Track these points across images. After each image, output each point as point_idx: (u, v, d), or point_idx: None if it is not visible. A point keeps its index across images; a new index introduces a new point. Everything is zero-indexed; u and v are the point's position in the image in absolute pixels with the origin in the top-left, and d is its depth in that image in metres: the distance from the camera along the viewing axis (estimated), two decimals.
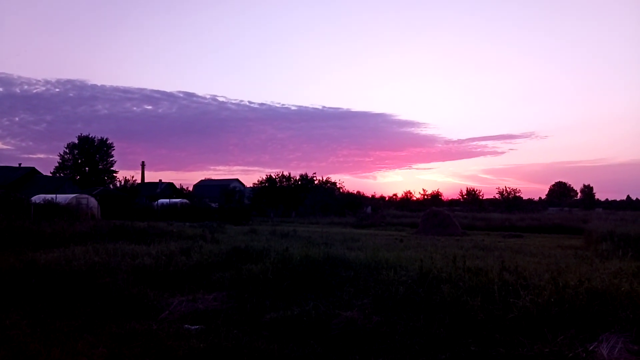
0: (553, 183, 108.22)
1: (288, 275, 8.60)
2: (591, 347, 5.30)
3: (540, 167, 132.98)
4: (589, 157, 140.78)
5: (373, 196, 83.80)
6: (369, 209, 58.33)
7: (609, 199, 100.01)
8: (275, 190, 63.97)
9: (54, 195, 34.86)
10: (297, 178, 66.99)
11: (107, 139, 78.35)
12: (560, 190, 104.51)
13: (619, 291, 6.61)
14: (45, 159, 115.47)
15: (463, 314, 6.51)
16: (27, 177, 58.17)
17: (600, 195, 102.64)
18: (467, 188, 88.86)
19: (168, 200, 49.95)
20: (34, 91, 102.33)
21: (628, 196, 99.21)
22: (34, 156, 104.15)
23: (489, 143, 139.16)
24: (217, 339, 5.96)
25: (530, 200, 79.03)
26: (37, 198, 33.25)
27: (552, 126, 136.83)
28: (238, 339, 6.01)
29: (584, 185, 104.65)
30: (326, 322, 6.50)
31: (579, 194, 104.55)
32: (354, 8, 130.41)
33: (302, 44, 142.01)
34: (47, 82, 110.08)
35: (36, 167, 64.53)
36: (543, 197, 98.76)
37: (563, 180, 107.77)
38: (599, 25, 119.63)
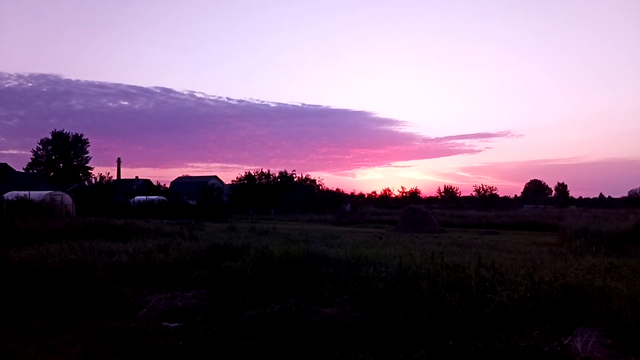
0: (528, 181, 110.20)
1: (268, 272, 8.58)
2: (566, 341, 5.41)
3: (516, 165, 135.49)
4: (563, 156, 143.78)
5: (352, 193, 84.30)
6: (348, 207, 58.63)
7: (583, 197, 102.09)
8: (254, 188, 63.73)
9: (27, 192, 34.10)
10: (277, 175, 66.98)
11: (81, 135, 77.06)
12: (535, 188, 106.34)
13: (593, 286, 6.78)
14: (17, 155, 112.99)
15: (441, 310, 6.60)
16: None
17: (574, 193, 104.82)
18: (445, 186, 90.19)
19: (145, 197, 49.36)
20: (6, 85, 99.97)
21: (601, 194, 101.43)
22: (6, 152, 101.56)
23: (466, 141, 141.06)
24: (196, 337, 5.92)
25: (506, 198, 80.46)
26: (10, 195, 32.50)
27: (527, 125, 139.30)
28: (217, 336, 5.98)
29: (559, 183, 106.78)
30: (306, 319, 6.50)
31: (554, 192, 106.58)
32: (333, 5, 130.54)
33: (282, 41, 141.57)
34: (19, 76, 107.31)
35: (8, 163, 62.98)
36: (519, 194, 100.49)
37: (538, 178, 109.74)
38: (576, 26, 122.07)
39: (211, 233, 18.17)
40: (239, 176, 66.67)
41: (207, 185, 70.02)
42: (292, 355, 5.50)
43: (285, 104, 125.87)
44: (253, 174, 65.90)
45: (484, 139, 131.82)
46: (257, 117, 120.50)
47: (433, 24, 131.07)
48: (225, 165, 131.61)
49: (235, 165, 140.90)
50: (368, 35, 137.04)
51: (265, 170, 66.67)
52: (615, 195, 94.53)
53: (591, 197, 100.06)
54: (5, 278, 8.53)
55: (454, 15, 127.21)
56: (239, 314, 7.03)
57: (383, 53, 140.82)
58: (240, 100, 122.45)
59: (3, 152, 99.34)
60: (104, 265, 9.53)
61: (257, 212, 55.89)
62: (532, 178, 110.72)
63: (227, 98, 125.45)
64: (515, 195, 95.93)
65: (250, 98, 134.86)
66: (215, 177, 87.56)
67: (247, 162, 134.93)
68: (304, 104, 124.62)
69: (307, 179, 69.05)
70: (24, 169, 71.38)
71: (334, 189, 75.72)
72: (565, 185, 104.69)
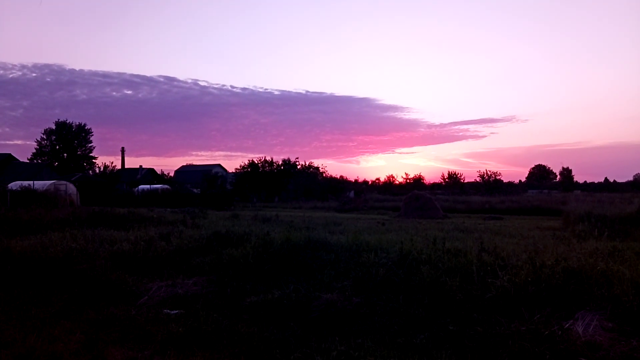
0: (533, 166, 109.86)
1: (269, 259, 8.57)
2: (567, 325, 5.38)
3: (520, 150, 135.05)
4: (568, 141, 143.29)
5: (356, 180, 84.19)
6: (351, 193, 58.62)
7: (587, 181, 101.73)
8: (258, 176, 63.64)
9: (32, 181, 34.17)
10: (280, 163, 66.73)
11: (85, 125, 77.16)
12: (539, 173, 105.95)
13: (595, 270, 6.72)
14: (22, 145, 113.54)
15: (442, 295, 6.57)
16: (4, 164, 57.06)
17: (578, 177, 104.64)
18: (449, 172, 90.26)
19: (149, 186, 49.46)
20: (10, 76, 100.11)
21: (606, 178, 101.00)
22: (11, 142, 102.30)
23: (471, 127, 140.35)
24: (197, 323, 5.92)
25: (510, 183, 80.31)
26: (14, 185, 32.62)
27: (532, 110, 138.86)
28: (218, 322, 5.99)
29: (563, 168, 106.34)
30: (306, 305, 6.49)
31: (558, 177, 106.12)
32: None
33: (286, 28, 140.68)
34: (23, 66, 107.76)
35: (13, 154, 63.44)
36: (523, 180, 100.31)
37: (543, 163, 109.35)
38: (580, 9, 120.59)
39: (214, 221, 18.14)
40: (243, 164, 66.54)
41: (210, 174, 69.95)
42: (291, 340, 5.49)
43: (289, 92, 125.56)
44: (256, 162, 65.77)
45: (489, 125, 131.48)
46: (260, 105, 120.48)
47: (438, 9, 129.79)
48: (229, 153, 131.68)
49: (239, 154, 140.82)
50: (372, 22, 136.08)
51: (268, 158, 66.48)
52: (620, 180, 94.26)
53: (596, 182, 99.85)
54: (7, 267, 8.56)
55: (457, 1, 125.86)
56: (240, 301, 7.02)
57: (387, 39, 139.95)
58: (244, 88, 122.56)
59: (8, 142, 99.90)
60: (106, 254, 9.53)
61: (261, 200, 56.00)
62: (537, 163, 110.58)
63: (231, 86, 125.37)
64: (520, 181, 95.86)
65: (254, 86, 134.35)
66: (219, 165, 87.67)
67: (251, 150, 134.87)
68: (307, 92, 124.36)
69: (310, 166, 69.04)
70: (28, 159, 71.69)
71: (338, 176, 75.87)
72: (570, 170, 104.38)
